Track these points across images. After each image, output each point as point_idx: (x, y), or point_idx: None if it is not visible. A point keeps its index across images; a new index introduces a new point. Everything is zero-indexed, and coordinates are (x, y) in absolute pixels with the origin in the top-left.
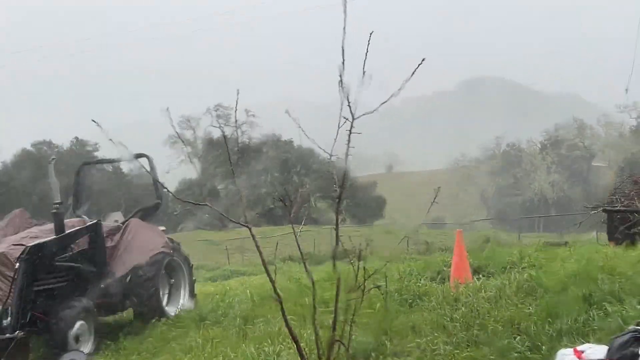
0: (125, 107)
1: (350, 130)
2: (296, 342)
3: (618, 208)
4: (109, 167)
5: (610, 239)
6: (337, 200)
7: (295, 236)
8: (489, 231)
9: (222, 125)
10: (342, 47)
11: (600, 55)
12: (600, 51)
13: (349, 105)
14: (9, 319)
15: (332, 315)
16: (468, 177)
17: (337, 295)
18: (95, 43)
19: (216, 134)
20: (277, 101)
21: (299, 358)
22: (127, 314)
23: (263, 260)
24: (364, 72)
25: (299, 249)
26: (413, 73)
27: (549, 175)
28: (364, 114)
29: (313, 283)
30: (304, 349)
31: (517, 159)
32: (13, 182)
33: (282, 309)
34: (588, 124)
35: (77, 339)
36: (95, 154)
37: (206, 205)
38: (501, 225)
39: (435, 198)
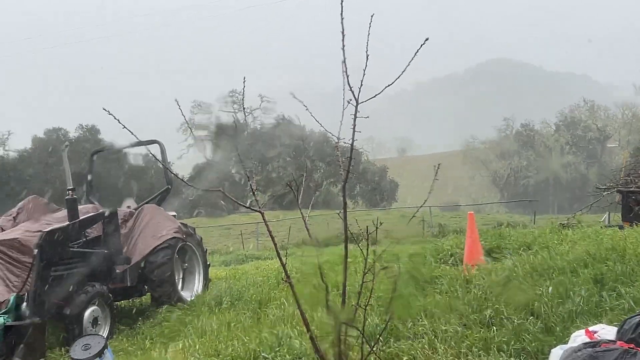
0: (140, 93)
1: (355, 115)
2: (306, 324)
3: (632, 189)
4: (121, 154)
5: (624, 220)
6: (343, 183)
7: (304, 220)
8: (503, 215)
9: (235, 111)
10: (342, 33)
11: (612, 36)
12: (612, 31)
13: (351, 90)
14: (25, 304)
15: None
16: (481, 160)
17: (344, 277)
18: (108, 29)
19: (230, 119)
20: (286, 87)
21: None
22: (145, 299)
23: (275, 244)
24: (367, 55)
25: (308, 232)
26: (415, 54)
27: (562, 156)
28: (368, 99)
29: (320, 267)
30: (314, 331)
31: (530, 139)
32: (27, 170)
33: (293, 291)
34: (602, 105)
35: (93, 323)
36: (106, 141)
37: (219, 190)
38: (514, 207)
39: (435, 175)
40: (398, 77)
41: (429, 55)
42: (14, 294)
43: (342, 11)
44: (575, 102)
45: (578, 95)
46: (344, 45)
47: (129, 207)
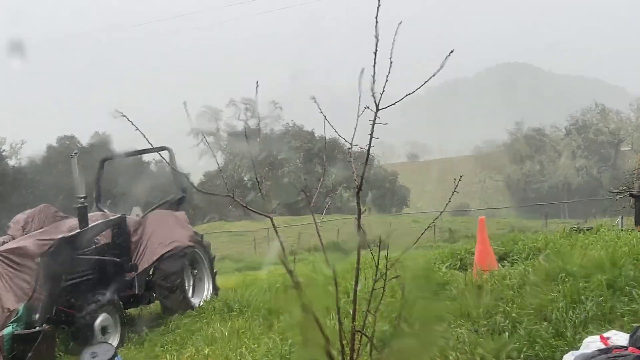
0: (150, 99)
1: (374, 121)
2: (321, 329)
3: None
4: (131, 160)
5: (637, 224)
6: (357, 189)
7: (316, 225)
8: (515, 219)
9: (247, 119)
10: (376, 37)
11: (625, 38)
12: (625, 34)
13: (372, 96)
14: (36, 313)
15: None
16: (492, 164)
17: (355, 284)
18: (116, 35)
19: (240, 125)
20: (297, 91)
21: (323, 348)
22: (154, 306)
23: (283, 249)
24: (390, 62)
25: (319, 238)
26: (442, 66)
27: (573, 160)
28: (388, 106)
29: (334, 272)
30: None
31: (541, 143)
32: (40, 178)
33: (300, 298)
34: (614, 108)
35: (103, 331)
36: (116, 147)
37: (229, 196)
38: (527, 211)
39: (456, 187)
40: (421, 86)
41: (439, 59)
42: (24, 302)
43: (377, 14)
44: (587, 106)
45: (589, 98)
46: (376, 51)
47: (137, 215)
